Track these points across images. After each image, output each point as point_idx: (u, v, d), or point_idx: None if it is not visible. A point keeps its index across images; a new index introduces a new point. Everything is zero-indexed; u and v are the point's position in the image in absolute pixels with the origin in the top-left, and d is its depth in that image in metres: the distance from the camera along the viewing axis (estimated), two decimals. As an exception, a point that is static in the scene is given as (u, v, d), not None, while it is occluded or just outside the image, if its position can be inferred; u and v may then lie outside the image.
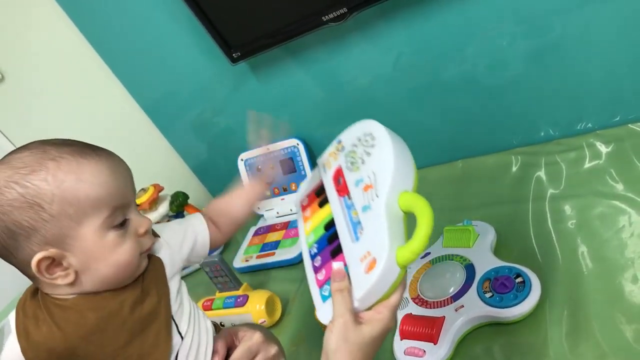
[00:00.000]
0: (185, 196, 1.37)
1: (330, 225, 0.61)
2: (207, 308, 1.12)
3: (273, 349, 0.70)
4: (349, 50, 1.13)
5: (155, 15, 1.19)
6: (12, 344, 0.57)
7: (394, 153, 0.56)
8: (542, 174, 1.03)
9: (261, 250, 1.25)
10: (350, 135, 0.65)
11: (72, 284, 0.57)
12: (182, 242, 0.70)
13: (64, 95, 1.51)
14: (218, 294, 1.13)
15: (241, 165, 1.37)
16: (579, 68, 1.00)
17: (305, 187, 0.69)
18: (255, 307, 1.05)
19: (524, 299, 0.79)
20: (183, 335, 0.62)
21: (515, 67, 1.04)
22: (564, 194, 0.96)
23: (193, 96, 1.33)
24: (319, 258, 0.59)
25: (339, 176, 0.62)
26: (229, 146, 1.40)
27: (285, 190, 1.33)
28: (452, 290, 0.86)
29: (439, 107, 1.16)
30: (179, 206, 1.35)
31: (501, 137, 1.15)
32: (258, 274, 1.24)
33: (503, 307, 0.79)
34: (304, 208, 0.66)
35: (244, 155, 1.36)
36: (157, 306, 0.60)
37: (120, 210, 0.58)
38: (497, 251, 0.92)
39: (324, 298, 0.59)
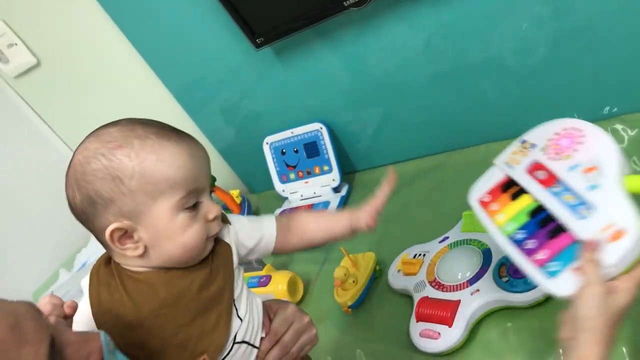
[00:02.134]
0: (213, 179, 1.40)
1: (536, 212, 0.67)
2: (232, 287, 1.15)
3: (306, 318, 0.74)
4: (373, 34, 1.13)
5: (182, 1, 1.22)
6: (83, 308, 0.61)
7: (612, 140, 0.65)
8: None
9: (285, 232, 1.28)
10: (540, 134, 0.74)
11: (141, 256, 0.60)
12: (248, 237, 0.73)
13: (96, 80, 1.56)
14: (244, 273, 1.17)
15: (266, 149, 1.40)
16: (605, 52, 0.98)
17: (483, 186, 0.75)
18: (278, 287, 1.09)
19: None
20: (242, 318, 0.65)
21: (541, 51, 1.03)
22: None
23: (220, 81, 1.36)
24: (533, 241, 0.64)
25: (536, 169, 0.70)
26: (255, 129, 1.43)
27: (309, 174, 1.35)
28: (469, 274, 0.87)
29: (464, 91, 1.16)
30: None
31: (524, 122, 1.13)
32: (282, 255, 1.27)
33: (517, 292, 0.80)
34: (485, 204, 0.72)
35: (269, 139, 1.39)
36: (222, 290, 0.63)
37: (193, 194, 0.60)
38: (516, 236, 0.93)
39: (553, 273, 0.62)
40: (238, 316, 0.65)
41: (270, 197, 1.45)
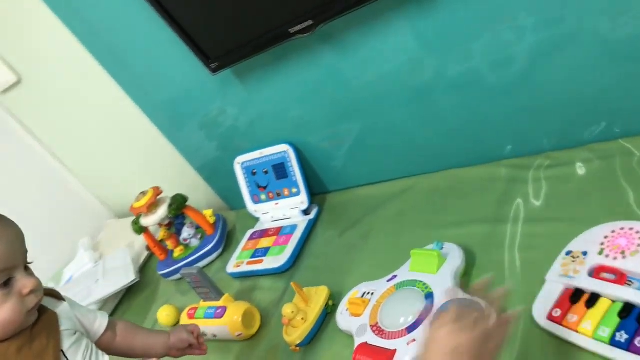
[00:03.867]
0: (183, 198, 1.39)
1: (625, 311, 0.67)
2: (190, 316, 1.14)
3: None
4: (332, 56, 1.08)
5: (147, 25, 1.18)
6: None
7: None
8: (528, 190, 0.97)
9: (252, 257, 1.26)
10: (585, 242, 0.78)
11: None
12: (81, 317, 0.79)
13: (74, 98, 1.56)
14: (202, 303, 1.15)
15: (237, 168, 1.37)
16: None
17: (544, 303, 0.75)
18: (233, 319, 1.06)
19: (476, 337, 0.75)
20: None
21: (519, 66, 0.95)
22: (541, 216, 0.90)
23: (187, 101, 1.34)
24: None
25: (601, 272, 0.73)
26: (227, 148, 1.41)
27: (279, 196, 1.32)
28: (410, 319, 0.83)
29: (432, 112, 1.10)
30: (177, 209, 1.37)
31: (494, 145, 1.08)
32: (248, 279, 1.25)
33: (453, 344, 0.76)
34: (559, 319, 0.72)
35: (240, 159, 1.36)
36: (45, 347, 0.67)
37: (3, 273, 0.63)
38: (466, 278, 0.89)
39: None
40: None
41: (246, 216, 1.43)
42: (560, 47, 0.90)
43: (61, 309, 0.74)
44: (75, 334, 0.73)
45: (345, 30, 1.02)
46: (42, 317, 0.70)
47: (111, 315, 1.43)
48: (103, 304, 1.44)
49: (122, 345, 0.85)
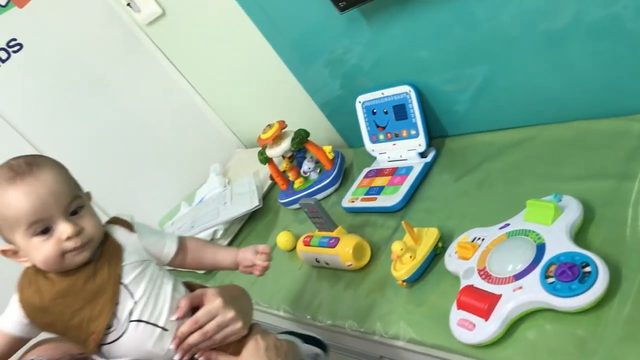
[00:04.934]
0: (306, 133, 1.45)
1: None
2: (306, 243, 1.23)
3: (230, 314, 0.82)
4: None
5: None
6: (14, 297, 0.78)
7: None
8: (664, 147, 0.91)
9: (366, 194, 1.31)
10: None
11: (35, 266, 0.77)
12: (149, 247, 0.86)
13: (211, 34, 1.67)
14: (317, 232, 1.23)
15: (358, 107, 1.40)
16: None
17: None
18: (345, 249, 1.13)
19: (583, 292, 0.74)
20: (137, 300, 0.78)
21: None
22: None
23: (314, 39, 1.37)
24: None
25: None
26: (350, 87, 1.44)
27: (397, 136, 1.34)
28: (519, 267, 0.84)
29: (565, 59, 1.05)
30: (300, 143, 1.44)
31: (629, 98, 1.01)
32: (361, 215, 1.30)
33: (560, 296, 0.76)
34: None
35: (361, 98, 1.39)
36: (106, 281, 0.77)
37: (38, 223, 0.73)
38: (582, 233, 0.87)
39: None
40: (132, 299, 0.78)
41: (363, 154, 1.47)
42: None
43: (128, 241, 0.82)
44: (140, 265, 0.81)
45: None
46: (106, 251, 0.79)
47: (235, 238, 1.59)
48: (229, 225, 1.58)
49: (192, 263, 0.94)
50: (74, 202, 0.77)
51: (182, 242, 0.92)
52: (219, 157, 2.03)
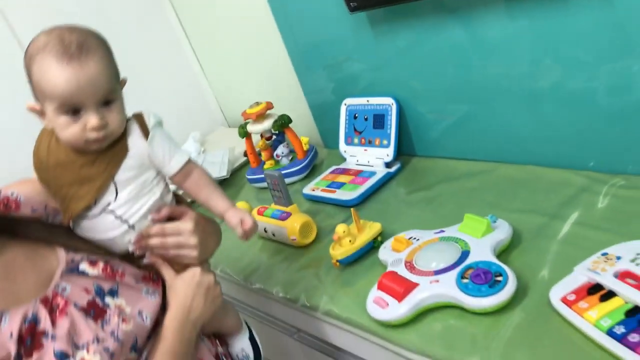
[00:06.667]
0: (289, 119, 1.52)
1: (632, 312, 0.73)
2: (260, 213, 1.29)
3: (193, 240, 0.87)
4: (461, 34, 1.16)
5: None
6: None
7: None
8: (596, 200, 1.00)
9: (328, 186, 1.38)
10: (624, 249, 0.83)
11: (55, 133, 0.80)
12: (154, 157, 0.86)
13: (225, 9, 1.76)
14: (272, 205, 1.29)
15: (343, 109, 1.48)
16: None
17: (564, 287, 0.81)
18: (292, 224, 1.19)
19: (490, 295, 0.82)
20: (119, 197, 0.83)
21: (636, 96, 0.98)
22: (597, 224, 0.94)
23: (324, 39, 1.46)
24: (635, 335, 0.70)
25: (626, 277, 0.78)
26: (340, 90, 1.52)
27: (370, 143, 1.42)
28: (440, 265, 0.91)
29: (538, 115, 1.14)
30: (281, 126, 1.51)
31: (580, 156, 1.11)
32: (318, 204, 1.37)
33: (469, 295, 0.83)
34: (570, 302, 0.78)
35: (347, 101, 1.48)
36: (100, 173, 0.81)
37: (67, 106, 0.76)
38: (506, 253, 0.95)
39: None
40: (115, 194, 0.83)
41: (336, 156, 1.55)
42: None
43: (137, 145, 0.84)
44: (137, 169, 0.84)
45: (482, 9, 1.08)
46: (114, 148, 0.82)
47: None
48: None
49: (188, 190, 0.92)
50: (109, 95, 0.80)
51: (187, 166, 0.90)
52: (201, 128, 2.09)
